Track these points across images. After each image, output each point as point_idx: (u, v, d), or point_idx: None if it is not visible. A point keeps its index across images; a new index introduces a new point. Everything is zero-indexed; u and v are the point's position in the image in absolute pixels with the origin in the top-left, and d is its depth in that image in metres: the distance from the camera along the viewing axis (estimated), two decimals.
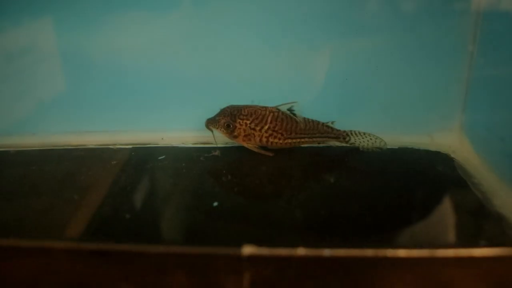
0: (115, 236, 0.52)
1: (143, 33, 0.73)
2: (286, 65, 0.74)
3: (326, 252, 0.44)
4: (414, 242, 0.53)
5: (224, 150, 0.73)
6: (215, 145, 0.73)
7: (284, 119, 0.70)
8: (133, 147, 0.74)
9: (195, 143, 0.75)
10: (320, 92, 0.74)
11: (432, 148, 0.74)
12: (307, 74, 0.74)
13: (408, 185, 0.65)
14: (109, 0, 0.72)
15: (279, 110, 0.70)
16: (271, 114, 0.70)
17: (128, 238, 0.52)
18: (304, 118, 0.71)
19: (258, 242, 0.47)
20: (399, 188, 0.64)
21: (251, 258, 0.45)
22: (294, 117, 0.70)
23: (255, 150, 0.71)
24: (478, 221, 0.57)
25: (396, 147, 0.74)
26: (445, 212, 0.59)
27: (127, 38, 0.73)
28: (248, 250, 0.45)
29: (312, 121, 0.71)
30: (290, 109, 0.70)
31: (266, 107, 0.70)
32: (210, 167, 0.68)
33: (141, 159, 0.70)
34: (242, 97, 0.72)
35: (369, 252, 0.44)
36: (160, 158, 0.70)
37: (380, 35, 0.72)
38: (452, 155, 0.72)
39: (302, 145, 0.73)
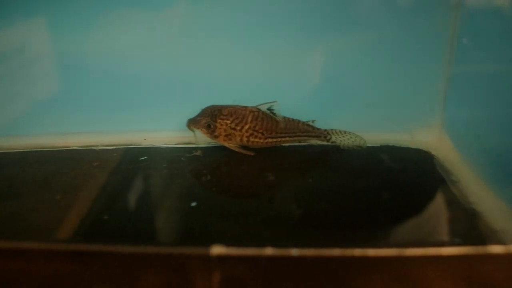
0: (92, 237, 0.53)
1: (125, 34, 0.74)
2: (267, 64, 0.74)
3: (294, 251, 0.44)
4: (386, 241, 0.54)
5: (206, 150, 0.73)
6: (197, 145, 0.74)
7: (265, 119, 0.70)
8: (116, 148, 0.74)
9: (178, 144, 0.76)
10: (301, 91, 0.75)
11: (413, 145, 0.74)
12: (288, 73, 0.74)
13: (387, 183, 0.65)
14: (94, 2, 0.72)
15: (259, 109, 0.70)
16: (251, 113, 0.70)
17: (103, 239, 0.53)
18: (284, 117, 0.71)
19: (232, 242, 0.48)
20: (377, 187, 0.64)
21: (220, 258, 0.45)
22: (274, 116, 0.70)
23: (236, 149, 0.71)
24: (452, 219, 0.58)
25: (378, 145, 0.75)
26: (420, 210, 0.59)
27: (111, 40, 0.74)
28: (217, 250, 0.45)
29: (293, 120, 0.72)
30: (270, 109, 0.70)
31: (246, 107, 0.70)
32: (191, 167, 0.69)
33: (123, 160, 0.70)
34: (224, 97, 0.72)
35: (336, 252, 0.44)
36: (141, 158, 0.71)
37: (360, 34, 0.73)
38: (433, 153, 0.72)
39: (283, 144, 0.73)
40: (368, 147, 0.73)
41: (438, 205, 0.60)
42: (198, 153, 0.73)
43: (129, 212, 0.58)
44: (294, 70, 0.74)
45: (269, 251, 0.45)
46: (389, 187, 0.64)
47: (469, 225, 0.56)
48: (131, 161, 0.70)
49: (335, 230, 0.55)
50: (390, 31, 0.72)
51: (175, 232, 0.54)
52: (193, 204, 0.59)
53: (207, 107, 0.71)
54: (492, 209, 0.57)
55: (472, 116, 0.68)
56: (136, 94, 0.76)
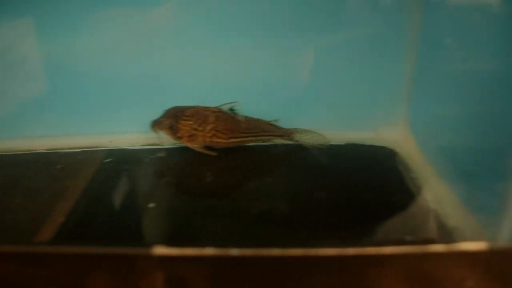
0: (48, 239, 0.54)
1: (90, 38, 0.74)
2: (231, 65, 0.74)
3: (234, 251, 0.45)
4: (337, 240, 0.54)
5: (170, 151, 0.74)
6: (161, 147, 0.74)
7: (227, 119, 0.70)
8: (81, 151, 0.75)
9: (143, 145, 0.76)
10: (265, 91, 0.74)
11: (378, 143, 0.74)
12: (252, 73, 0.74)
13: (347, 182, 0.65)
14: (59, 6, 0.72)
15: (221, 110, 0.70)
16: (214, 114, 0.70)
17: (58, 240, 0.53)
18: (247, 117, 0.71)
19: (185, 242, 0.49)
20: (337, 185, 0.64)
21: (163, 258, 0.45)
22: (236, 116, 0.70)
23: (200, 150, 0.71)
24: (407, 216, 0.58)
25: (343, 143, 0.75)
26: (376, 208, 0.59)
27: (75, 43, 0.74)
28: (159, 250, 0.45)
29: (256, 120, 0.72)
30: (231, 109, 0.70)
31: (208, 108, 0.71)
32: (154, 169, 0.69)
33: (86, 163, 0.70)
34: (189, 98, 0.72)
35: (275, 252, 0.45)
36: (105, 161, 0.71)
37: (323, 34, 0.73)
38: (396, 150, 0.72)
39: (247, 144, 0.73)
40: (333, 145, 0.73)
41: (394, 203, 0.60)
42: (162, 154, 0.73)
43: (87, 214, 0.59)
44: (258, 71, 0.74)
45: (209, 251, 0.45)
46: (349, 185, 0.64)
47: (421, 223, 0.56)
48: (95, 163, 0.70)
49: (291, 229, 0.55)
50: (354, 32, 0.72)
51: (127, 232, 0.55)
52: (151, 205, 0.59)
53: (170, 109, 0.71)
54: (446, 206, 0.57)
55: (433, 115, 0.68)
56: (102, 97, 0.76)
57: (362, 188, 0.63)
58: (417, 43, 0.71)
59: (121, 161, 0.71)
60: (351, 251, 0.46)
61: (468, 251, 0.45)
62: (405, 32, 0.71)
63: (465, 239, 0.52)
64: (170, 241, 0.49)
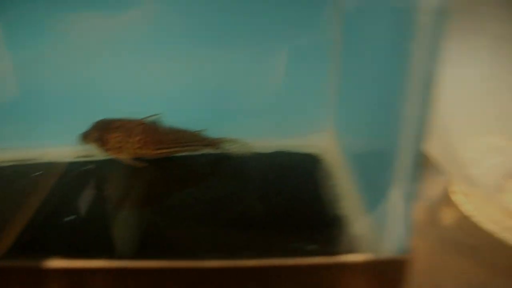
0: None
1: (21, 50, 0.74)
2: (157, 77, 0.75)
3: (126, 263, 0.46)
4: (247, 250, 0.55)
5: (99, 163, 0.75)
6: (91, 159, 0.75)
7: (153, 131, 0.72)
8: (13, 165, 0.75)
9: (76, 157, 0.77)
10: (193, 101, 0.76)
11: (304, 150, 0.76)
12: (178, 84, 0.75)
13: (268, 190, 0.66)
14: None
15: (147, 122, 0.72)
16: (140, 126, 0.71)
17: None
18: (173, 128, 0.73)
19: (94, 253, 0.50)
20: (256, 194, 0.66)
21: (54, 271, 0.46)
22: (161, 128, 0.72)
23: (128, 162, 0.73)
24: (318, 224, 0.59)
25: (271, 151, 0.76)
26: (290, 216, 0.61)
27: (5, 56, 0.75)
28: (53, 263, 0.46)
29: (183, 130, 0.73)
30: (157, 120, 0.71)
31: (135, 120, 0.72)
32: (81, 181, 0.70)
33: (15, 177, 0.71)
34: (118, 111, 0.73)
35: (164, 263, 0.46)
36: (35, 174, 0.72)
37: (250, 44, 0.74)
38: (321, 157, 0.73)
39: (176, 154, 0.74)
40: (260, 153, 0.75)
41: (307, 211, 0.61)
42: (91, 166, 0.74)
43: (4, 227, 0.59)
44: (184, 81, 0.75)
45: (99, 263, 0.46)
46: (268, 194, 0.65)
47: (331, 231, 0.57)
48: (23, 177, 0.71)
49: (201, 241, 0.57)
50: (281, 42, 0.73)
51: (38, 246, 0.56)
52: (70, 218, 0.60)
53: (98, 121, 0.72)
54: (356, 215, 0.59)
55: (354, 122, 0.69)
56: (31, 110, 0.77)
57: (280, 196, 0.65)
58: (340, 53, 0.72)
59: (51, 174, 0.72)
60: (242, 263, 0.47)
61: (352, 263, 0.47)
62: (329, 42, 0.72)
63: (365, 248, 0.53)
64: (78, 253, 0.50)
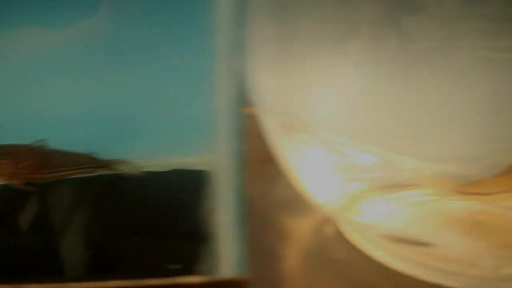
0: None
1: None
2: (47, 100, 0.75)
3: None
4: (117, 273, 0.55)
5: None
6: None
7: (44, 155, 0.72)
8: None
9: None
10: (83, 124, 0.75)
11: (200, 168, 0.75)
12: (68, 107, 0.75)
13: (156, 209, 0.67)
14: None
15: (36, 146, 0.72)
16: (30, 151, 0.72)
17: None
18: (63, 152, 0.73)
19: None
20: (141, 214, 0.66)
21: None
22: (51, 151, 0.72)
23: (20, 187, 0.72)
24: (190, 246, 0.59)
25: (167, 170, 0.76)
26: (169, 237, 0.61)
27: None
28: None
29: (75, 154, 0.73)
30: (45, 145, 0.72)
31: (23, 145, 0.72)
32: None
33: None
34: (7, 136, 0.73)
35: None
36: None
37: (137, 66, 0.74)
38: (215, 174, 0.73)
39: (70, 177, 0.74)
40: (154, 172, 0.75)
41: (186, 232, 0.62)
42: None
43: None
44: (75, 104, 0.75)
45: None
46: (151, 213, 0.66)
47: (198, 252, 0.57)
48: None
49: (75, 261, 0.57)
50: (168, 62, 0.74)
51: None
52: None
53: None
54: (221, 233, 0.58)
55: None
56: None
57: (161, 215, 0.65)
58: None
59: None
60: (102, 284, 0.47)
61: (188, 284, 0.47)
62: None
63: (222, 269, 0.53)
64: None
